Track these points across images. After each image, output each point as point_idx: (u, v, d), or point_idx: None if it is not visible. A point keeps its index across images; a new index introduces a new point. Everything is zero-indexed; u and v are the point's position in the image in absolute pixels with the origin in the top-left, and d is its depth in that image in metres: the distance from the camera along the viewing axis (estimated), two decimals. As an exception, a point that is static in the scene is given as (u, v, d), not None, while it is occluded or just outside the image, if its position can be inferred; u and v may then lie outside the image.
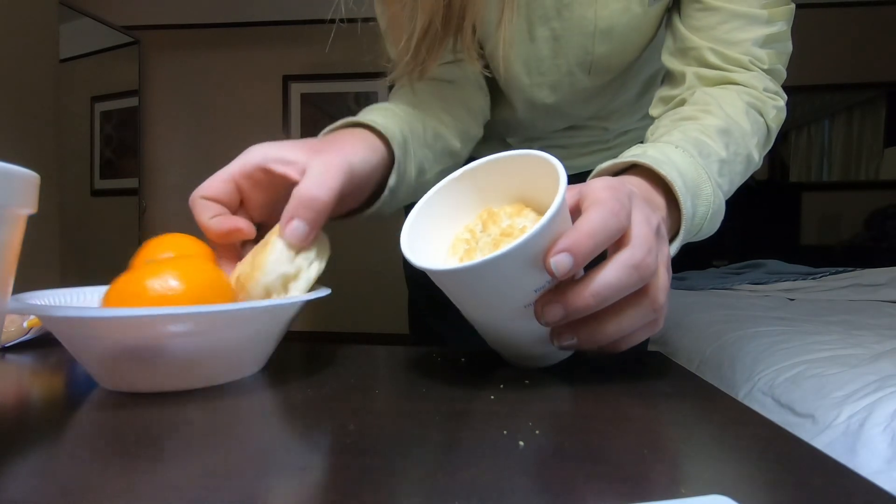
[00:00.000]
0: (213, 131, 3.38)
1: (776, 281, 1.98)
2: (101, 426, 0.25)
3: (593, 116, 0.63)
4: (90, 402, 0.29)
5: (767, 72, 0.47)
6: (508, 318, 0.31)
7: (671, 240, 0.37)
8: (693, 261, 2.40)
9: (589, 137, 0.66)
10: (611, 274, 0.28)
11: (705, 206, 0.38)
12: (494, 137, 0.67)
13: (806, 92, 3.06)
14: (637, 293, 0.30)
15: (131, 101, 3.30)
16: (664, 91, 0.51)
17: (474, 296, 0.31)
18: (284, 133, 3.32)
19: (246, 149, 0.39)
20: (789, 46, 0.48)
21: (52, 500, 0.18)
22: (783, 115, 0.47)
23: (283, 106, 3.32)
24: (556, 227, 0.28)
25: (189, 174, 3.41)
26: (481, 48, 0.53)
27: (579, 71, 0.55)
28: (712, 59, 0.47)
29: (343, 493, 0.19)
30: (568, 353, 0.36)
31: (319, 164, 0.35)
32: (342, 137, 0.41)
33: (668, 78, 0.52)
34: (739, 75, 0.46)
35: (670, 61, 0.50)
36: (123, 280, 0.31)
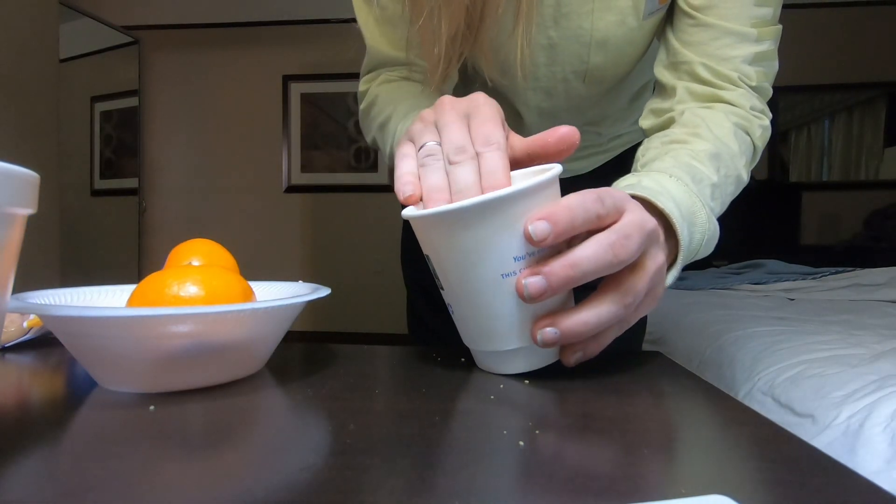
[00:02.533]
0: (213, 131, 3.38)
1: (776, 281, 1.98)
2: (101, 426, 0.25)
3: (587, 122, 0.64)
4: (90, 402, 0.29)
5: (755, 89, 0.48)
6: (485, 288, 0.31)
7: (669, 267, 0.38)
8: (693, 261, 2.40)
9: (583, 142, 0.66)
10: (588, 247, 0.30)
11: (700, 233, 0.39)
12: None
13: (806, 92, 3.06)
14: (612, 283, 0.31)
15: (131, 101, 3.30)
16: (655, 103, 0.52)
17: (452, 251, 0.31)
18: (284, 133, 3.32)
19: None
20: (776, 65, 0.49)
21: (52, 500, 0.18)
22: (768, 133, 0.49)
23: (283, 106, 3.33)
24: (542, 199, 0.31)
25: (189, 174, 3.41)
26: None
27: (574, 79, 0.56)
28: (703, 73, 0.47)
29: (343, 493, 0.19)
30: (541, 359, 0.34)
31: None
32: None
33: (659, 90, 0.52)
34: (728, 93, 0.47)
35: (662, 74, 0.51)
36: (147, 282, 0.32)
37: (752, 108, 0.47)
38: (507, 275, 0.31)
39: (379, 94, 0.57)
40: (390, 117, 0.53)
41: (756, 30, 0.46)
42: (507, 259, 0.31)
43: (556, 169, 0.32)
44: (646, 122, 0.52)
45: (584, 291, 0.33)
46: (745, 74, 0.47)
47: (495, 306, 0.32)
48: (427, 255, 0.35)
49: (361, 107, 0.60)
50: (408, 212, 0.33)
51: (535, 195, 0.30)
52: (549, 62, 0.55)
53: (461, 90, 0.62)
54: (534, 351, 0.34)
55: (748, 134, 0.47)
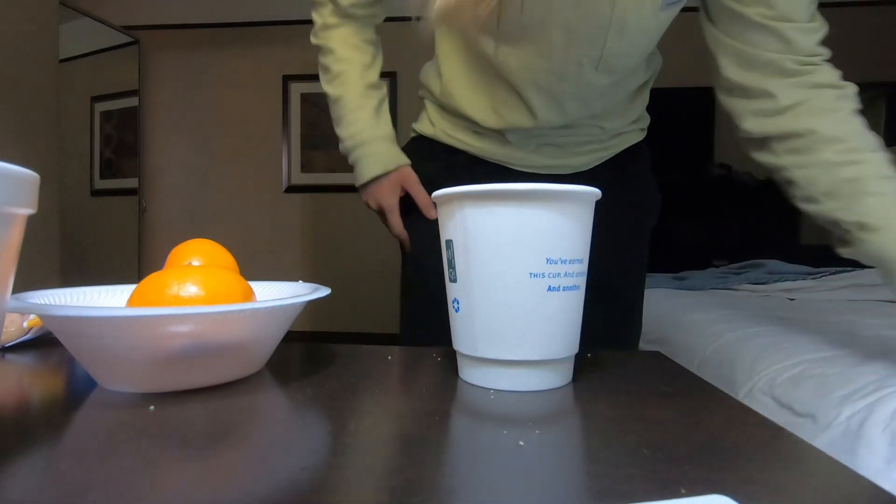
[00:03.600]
0: (213, 131, 3.38)
1: (776, 281, 1.98)
2: (101, 426, 0.25)
3: (592, 116, 0.64)
4: (90, 402, 0.29)
5: (828, 60, 0.55)
6: (510, 285, 0.31)
7: None
8: (693, 261, 2.40)
9: (585, 137, 0.66)
10: None
11: None
12: (493, 134, 0.67)
13: (806, 92, 3.06)
14: None
15: (131, 101, 3.30)
16: (752, 105, 0.56)
17: (486, 235, 0.31)
18: (284, 133, 3.32)
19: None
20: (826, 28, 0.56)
21: (52, 500, 0.18)
22: (857, 89, 0.55)
23: (283, 106, 3.32)
24: (585, 207, 0.32)
25: (189, 174, 3.41)
26: None
27: (588, 64, 0.57)
28: (791, 65, 0.54)
29: (343, 493, 0.19)
30: (539, 381, 0.32)
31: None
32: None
33: (745, 92, 0.57)
34: (817, 76, 0.54)
35: (743, 76, 0.56)
36: (147, 282, 0.32)
37: (840, 78, 0.54)
38: (536, 276, 0.30)
39: (334, 49, 0.69)
40: (342, 107, 0.69)
41: (815, 23, 0.55)
42: (540, 259, 0.30)
43: (597, 191, 0.33)
44: (749, 123, 0.57)
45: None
46: (819, 53, 0.54)
47: (514, 307, 0.31)
48: (448, 241, 0.33)
49: (320, 43, 0.71)
50: (452, 189, 0.32)
51: (582, 201, 0.31)
52: (565, 44, 0.56)
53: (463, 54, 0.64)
54: (537, 368, 0.32)
55: (859, 111, 0.53)
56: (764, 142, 0.57)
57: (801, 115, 0.53)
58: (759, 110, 0.56)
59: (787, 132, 0.54)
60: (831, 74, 0.54)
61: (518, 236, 0.30)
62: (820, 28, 0.55)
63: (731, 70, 0.56)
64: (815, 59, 0.54)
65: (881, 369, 0.86)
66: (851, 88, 0.54)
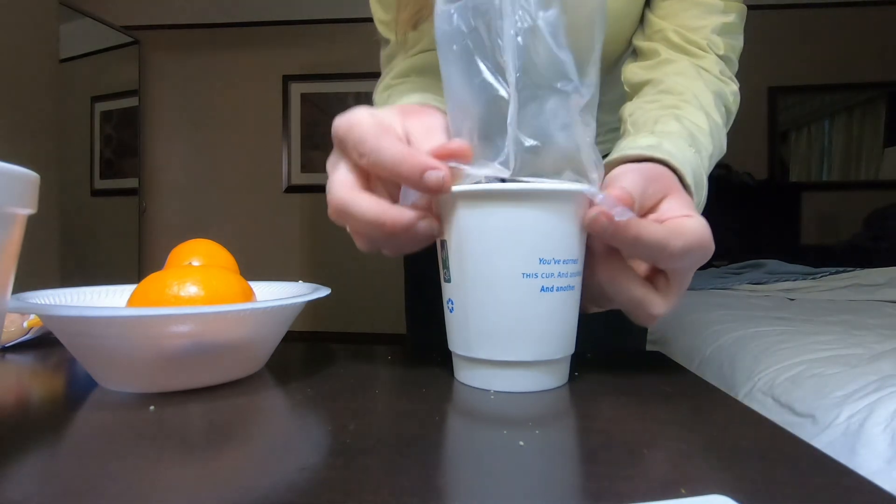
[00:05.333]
0: (213, 131, 3.38)
1: (776, 281, 1.98)
2: (101, 426, 0.25)
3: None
4: (90, 402, 0.29)
5: (721, 58, 0.51)
6: (503, 284, 0.30)
7: None
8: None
9: None
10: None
11: (700, 200, 0.41)
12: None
13: (806, 92, 3.06)
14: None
15: (131, 101, 3.30)
16: (633, 61, 0.54)
17: (479, 235, 0.31)
18: (284, 133, 3.32)
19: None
20: (741, 40, 0.52)
21: (52, 500, 0.18)
22: (738, 98, 0.51)
23: (283, 106, 3.33)
24: (579, 207, 0.31)
25: (189, 174, 3.41)
26: None
27: None
28: (675, 38, 0.51)
29: (343, 493, 0.19)
30: (536, 381, 0.32)
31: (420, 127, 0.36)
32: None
33: (639, 54, 0.55)
34: (698, 60, 0.50)
35: (640, 43, 0.55)
36: (147, 282, 0.32)
37: (722, 73, 0.50)
38: (528, 276, 0.30)
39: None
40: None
41: (723, 3, 0.51)
42: (532, 259, 0.30)
43: (593, 189, 0.32)
44: (627, 72, 0.54)
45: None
46: (713, 43, 0.51)
47: (507, 308, 0.30)
48: (443, 241, 0.33)
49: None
50: (457, 188, 0.32)
51: (575, 201, 0.31)
52: None
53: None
54: (531, 369, 0.31)
55: (724, 102, 0.49)
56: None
57: (662, 65, 0.50)
58: (638, 66, 0.53)
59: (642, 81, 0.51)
60: (717, 65, 0.50)
61: (510, 236, 0.30)
62: (725, 16, 0.51)
63: (636, 41, 0.55)
64: (703, 44, 0.50)
65: (881, 369, 0.86)
66: (730, 87, 0.50)
